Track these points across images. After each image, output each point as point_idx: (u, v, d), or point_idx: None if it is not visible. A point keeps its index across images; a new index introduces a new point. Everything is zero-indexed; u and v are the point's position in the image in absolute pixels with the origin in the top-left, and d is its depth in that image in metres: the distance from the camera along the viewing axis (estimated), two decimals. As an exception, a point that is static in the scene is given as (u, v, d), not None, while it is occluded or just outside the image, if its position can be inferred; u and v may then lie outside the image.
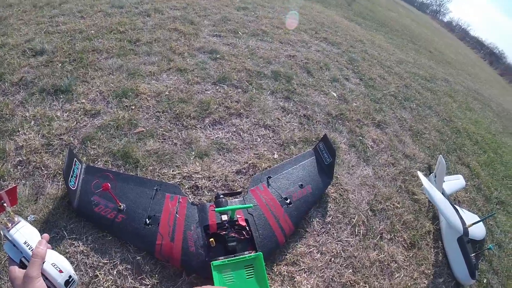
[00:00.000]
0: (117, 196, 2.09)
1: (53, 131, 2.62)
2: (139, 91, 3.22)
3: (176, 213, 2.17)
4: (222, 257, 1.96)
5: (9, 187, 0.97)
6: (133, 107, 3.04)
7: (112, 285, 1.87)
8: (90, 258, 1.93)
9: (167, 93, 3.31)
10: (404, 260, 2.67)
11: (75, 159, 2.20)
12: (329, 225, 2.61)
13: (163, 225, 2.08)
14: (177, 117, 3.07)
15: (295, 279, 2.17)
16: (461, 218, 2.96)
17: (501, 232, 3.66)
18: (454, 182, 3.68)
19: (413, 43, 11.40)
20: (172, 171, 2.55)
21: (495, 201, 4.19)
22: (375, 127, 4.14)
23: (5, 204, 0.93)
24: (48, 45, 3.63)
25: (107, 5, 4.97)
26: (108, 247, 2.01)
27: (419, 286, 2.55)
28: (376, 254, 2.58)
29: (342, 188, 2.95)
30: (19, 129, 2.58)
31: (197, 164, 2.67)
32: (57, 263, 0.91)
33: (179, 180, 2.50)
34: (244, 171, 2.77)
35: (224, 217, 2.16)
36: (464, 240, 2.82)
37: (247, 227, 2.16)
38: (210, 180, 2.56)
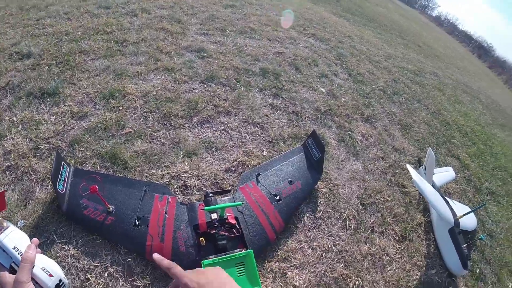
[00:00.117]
0: (105, 198, 2.08)
1: (41, 134, 2.59)
2: (126, 91, 3.19)
3: (166, 213, 2.16)
4: (213, 256, 1.95)
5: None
6: (121, 108, 3.02)
7: (103, 288, 1.86)
8: (81, 262, 1.92)
9: (154, 93, 3.29)
10: (396, 252, 2.69)
11: (63, 162, 2.18)
12: (320, 220, 2.62)
13: (153, 226, 2.07)
14: (165, 117, 3.05)
15: (287, 275, 2.18)
16: (451, 209, 2.99)
17: (493, 222, 3.71)
18: (444, 174, 3.72)
19: (401, 37, 11.47)
20: (161, 171, 2.54)
21: (485, 192, 4.24)
22: (364, 121, 4.17)
23: None
24: (35, 48, 3.59)
25: (94, 6, 4.92)
26: (99, 250, 1.99)
27: (411, 278, 2.58)
28: (368, 248, 2.60)
29: (332, 183, 2.96)
30: (7, 134, 2.55)
31: (186, 163, 2.65)
32: (47, 267, 0.90)
33: (168, 180, 2.49)
34: (233, 169, 2.76)
35: (214, 216, 2.16)
36: (456, 231, 2.85)
37: (237, 225, 2.17)
38: (199, 179, 2.56)
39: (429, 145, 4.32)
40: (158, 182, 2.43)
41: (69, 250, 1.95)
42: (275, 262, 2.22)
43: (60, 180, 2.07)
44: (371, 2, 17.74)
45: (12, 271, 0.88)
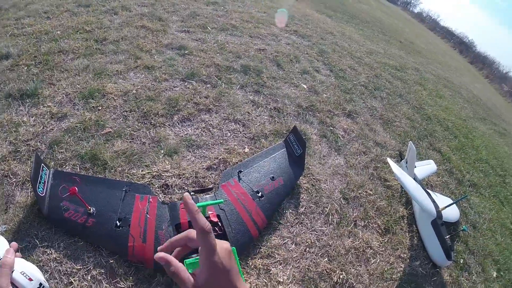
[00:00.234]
0: (86, 200, 2.04)
1: (20, 137, 2.52)
2: (106, 91, 3.14)
3: (147, 213, 2.14)
4: (195, 255, 1.94)
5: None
6: (100, 108, 2.97)
7: (87, 291, 1.84)
8: (63, 265, 1.89)
9: (134, 91, 3.26)
10: (380, 245, 2.73)
11: (42, 164, 2.13)
12: (303, 216, 2.64)
13: (134, 226, 2.05)
14: (145, 116, 3.02)
15: (271, 272, 2.19)
16: (433, 201, 3.05)
17: (475, 214, 3.80)
18: (426, 167, 3.79)
19: (383, 34, 11.57)
20: (142, 171, 2.51)
21: (467, 184, 4.34)
22: (346, 117, 4.21)
23: None
24: (14, 48, 3.49)
25: (74, 4, 4.82)
26: (81, 253, 1.96)
27: (396, 270, 2.62)
28: (351, 242, 2.63)
29: (314, 179, 2.98)
30: (-14, 137, 2.49)
31: (167, 162, 2.64)
32: (26, 271, 0.89)
33: (149, 179, 2.47)
34: (215, 166, 2.76)
35: (196, 214, 2.15)
36: (438, 223, 2.90)
37: (219, 223, 2.17)
38: (180, 178, 2.54)
39: (410, 139, 4.38)
40: (138, 182, 2.41)
41: (51, 253, 1.91)
42: (258, 259, 2.23)
43: (40, 183, 2.03)
44: (353, -1, 17.86)
45: None
